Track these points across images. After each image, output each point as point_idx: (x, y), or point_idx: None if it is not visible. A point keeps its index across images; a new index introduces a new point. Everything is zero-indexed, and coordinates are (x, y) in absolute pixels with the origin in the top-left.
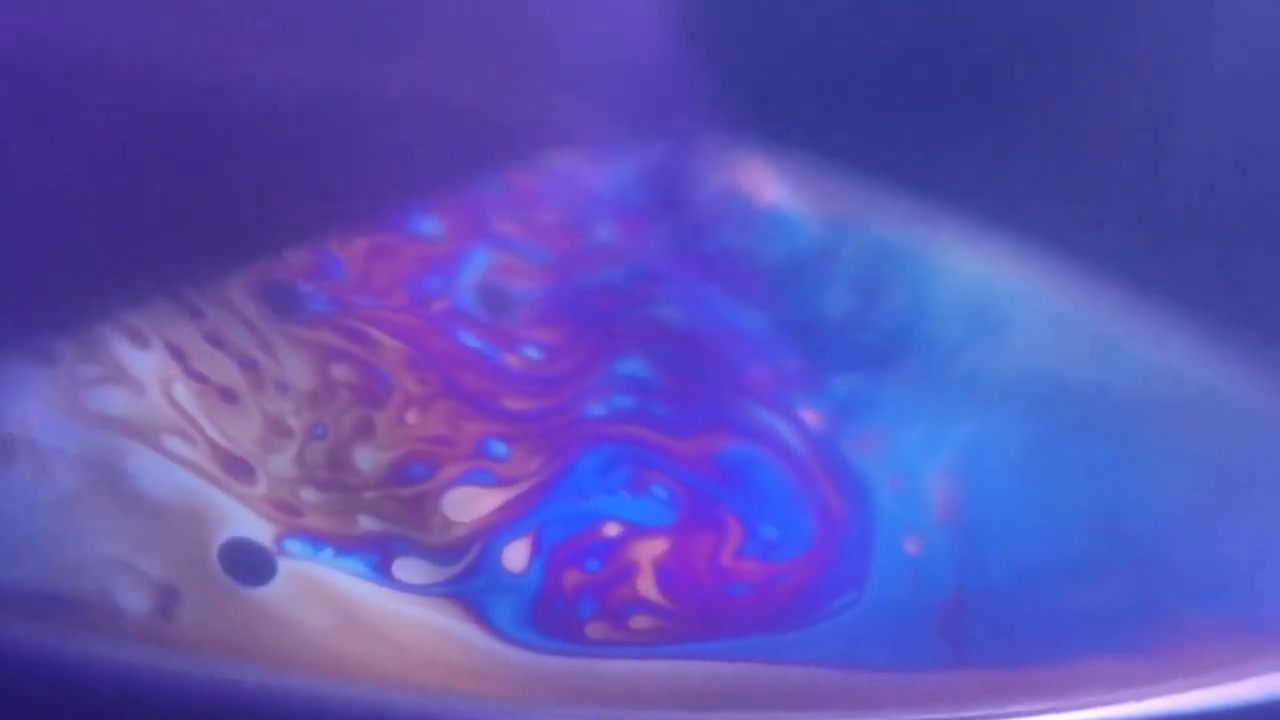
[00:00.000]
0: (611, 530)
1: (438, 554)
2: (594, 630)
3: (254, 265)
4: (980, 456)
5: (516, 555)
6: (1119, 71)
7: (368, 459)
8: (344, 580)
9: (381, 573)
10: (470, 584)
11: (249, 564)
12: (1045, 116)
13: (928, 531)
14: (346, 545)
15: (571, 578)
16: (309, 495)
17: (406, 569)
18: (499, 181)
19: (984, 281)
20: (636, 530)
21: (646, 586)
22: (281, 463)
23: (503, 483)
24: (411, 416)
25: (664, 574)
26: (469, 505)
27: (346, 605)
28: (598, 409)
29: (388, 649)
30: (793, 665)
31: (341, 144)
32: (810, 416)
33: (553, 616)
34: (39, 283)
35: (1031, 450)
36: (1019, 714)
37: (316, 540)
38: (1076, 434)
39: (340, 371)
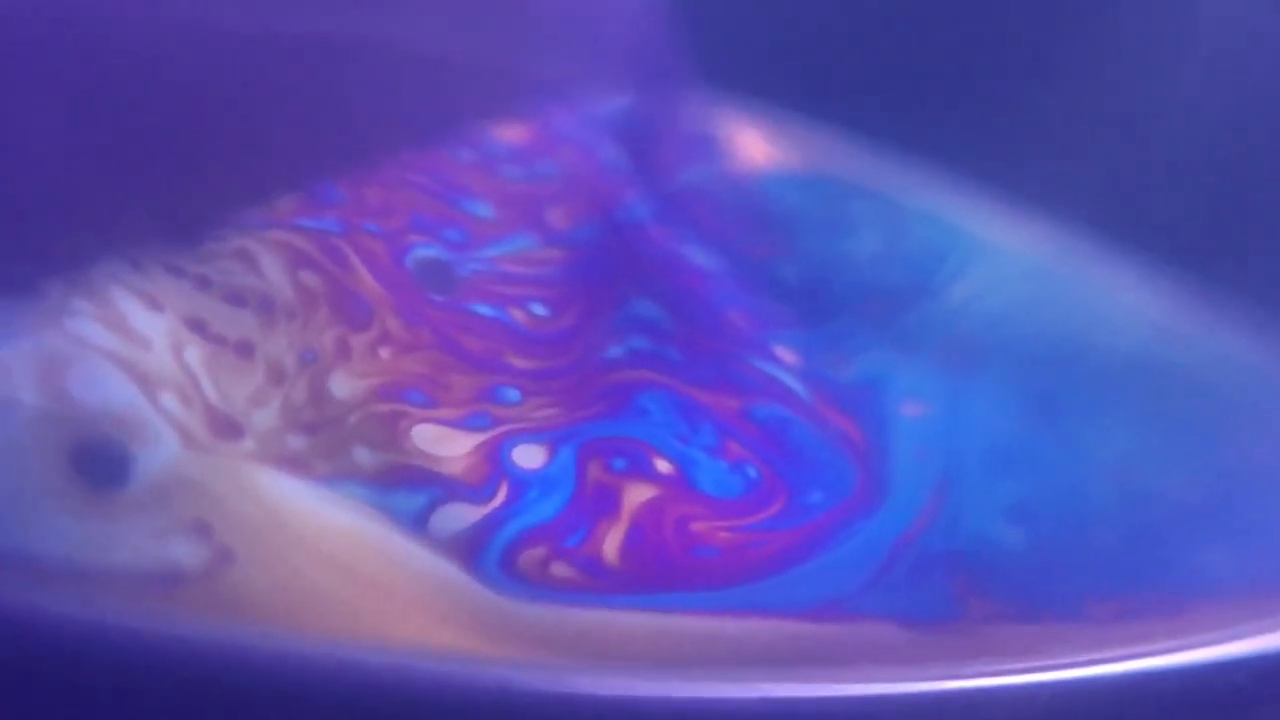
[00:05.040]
0: (661, 466)
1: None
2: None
3: (242, 215)
4: (960, 407)
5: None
6: (1108, 25)
7: (346, 387)
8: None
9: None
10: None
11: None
12: (1036, 74)
13: (928, 395)
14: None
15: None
16: (296, 441)
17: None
18: (483, 135)
19: (965, 234)
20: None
21: (613, 546)
22: (267, 414)
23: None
24: (386, 353)
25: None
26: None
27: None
28: (616, 352)
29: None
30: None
31: (325, 96)
32: (790, 356)
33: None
34: (29, 227)
35: (1011, 402)
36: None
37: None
38: (1057, 389)
39: (310, 279)
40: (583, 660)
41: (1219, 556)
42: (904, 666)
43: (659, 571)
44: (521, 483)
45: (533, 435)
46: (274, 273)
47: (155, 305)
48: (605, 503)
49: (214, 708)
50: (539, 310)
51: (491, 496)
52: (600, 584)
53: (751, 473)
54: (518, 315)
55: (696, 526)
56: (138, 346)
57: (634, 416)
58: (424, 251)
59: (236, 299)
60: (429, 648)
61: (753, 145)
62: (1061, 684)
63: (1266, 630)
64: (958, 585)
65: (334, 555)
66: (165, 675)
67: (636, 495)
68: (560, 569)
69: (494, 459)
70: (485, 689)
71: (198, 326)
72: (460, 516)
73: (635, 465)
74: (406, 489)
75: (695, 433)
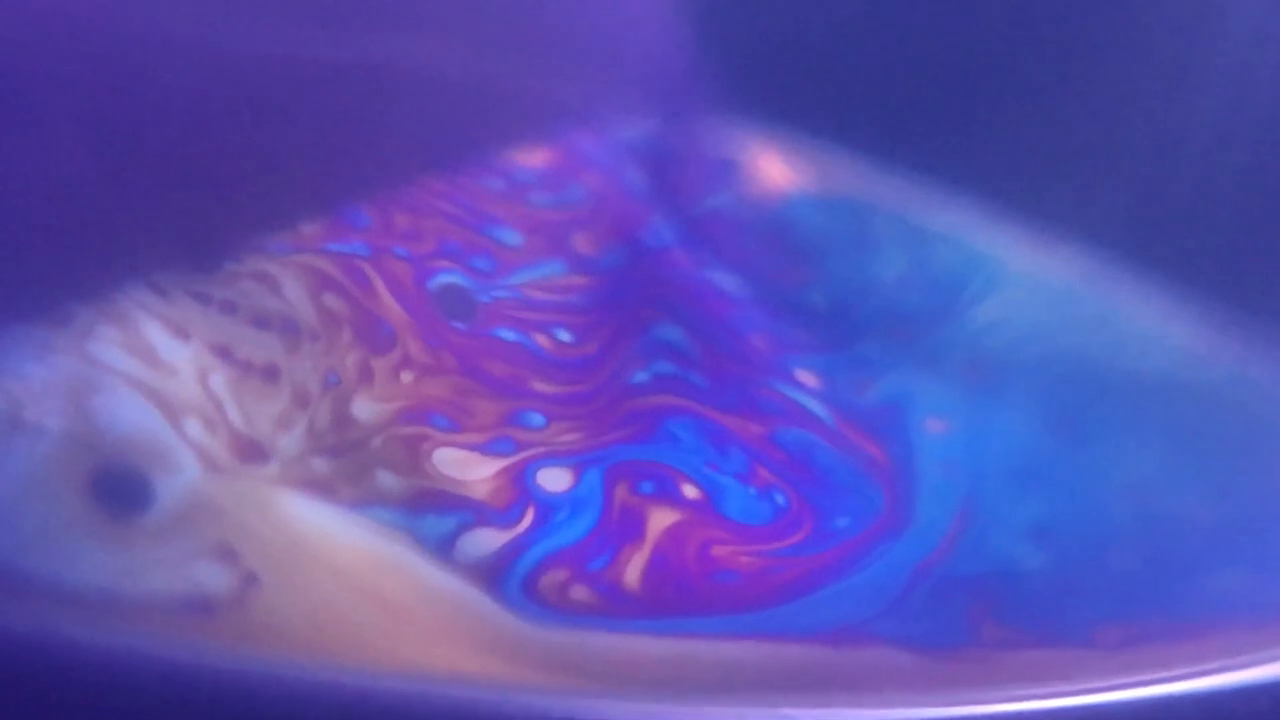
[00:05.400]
0: (689, 491)
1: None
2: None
3: (269, 240)
4: (983, 427)
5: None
6: (1131, 50)
7: (369, 410)
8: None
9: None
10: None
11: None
12: (1059, 96)
13: (951, 414)
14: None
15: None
16: (320, 465)
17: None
18: (509, 159)
19: (988, 256)
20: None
21: (635, 571)
22: (292, 438)
23: (531, 445)
24: (408, 377)
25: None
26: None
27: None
28: (640, 377)
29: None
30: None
31: (352, 120)
32: (812, 380)
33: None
34: (56, 253)
35: (1034, 423)
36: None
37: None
38: (1078, 411)
39: (333, 302)
40: (603, 685)
41: (1239, 580)
42: (919, 693)
43: (679, 596)
44: (549, 506)
45: (558, 459)
46: (297, 296)
47: (180, 331)
48: (630, 526)
49: None
50: (563, 335)
51: (518, 520)
52: (621, 609)
53: (779, 499)
54: (542, 340)
55: (718, 551)
56: (162, 372)
57: (663, 441)
58: (445, 278)
59: (261, 323)
60: (450, 673)
61: (775, 169)
62: (1077, 711)
63: None
64: (975, 610)
65: (358, 580)
66: (188, 701)
67: (661, 520)
68: (581, 593)
69: (519, 483)
70: (507, 716)
71: (222, 352)
72: (487, 540)
73: (663, 489)
74: (433, 513)
75: (724, 458)
